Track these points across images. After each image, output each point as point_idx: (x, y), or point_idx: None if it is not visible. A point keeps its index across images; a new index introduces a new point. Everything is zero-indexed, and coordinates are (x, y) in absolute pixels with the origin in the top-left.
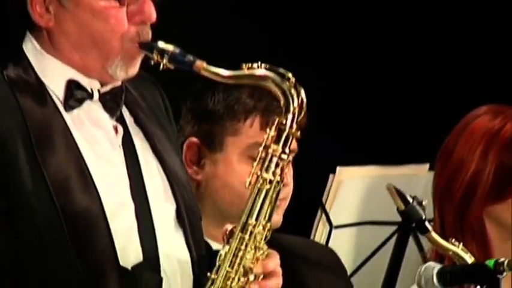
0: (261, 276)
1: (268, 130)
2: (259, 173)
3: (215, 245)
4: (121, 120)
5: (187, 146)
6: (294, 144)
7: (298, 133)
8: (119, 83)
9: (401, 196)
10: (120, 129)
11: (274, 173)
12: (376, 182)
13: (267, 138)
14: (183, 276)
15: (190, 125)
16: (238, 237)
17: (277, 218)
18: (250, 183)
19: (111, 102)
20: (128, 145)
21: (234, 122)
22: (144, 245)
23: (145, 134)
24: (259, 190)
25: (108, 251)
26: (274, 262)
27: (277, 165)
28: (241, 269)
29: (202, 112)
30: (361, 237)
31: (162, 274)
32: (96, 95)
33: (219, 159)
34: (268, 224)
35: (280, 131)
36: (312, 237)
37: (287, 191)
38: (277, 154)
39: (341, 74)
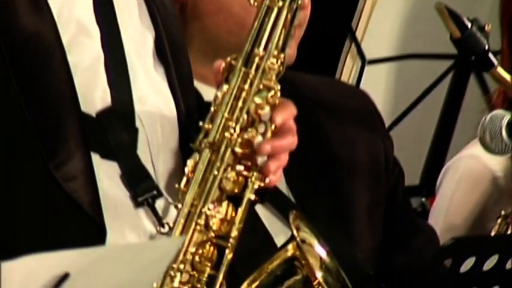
0: (271, 128)
1: None
2: None
3: (206, 89)
4: None
5: None
6: None
7: None
8: None
9: (456, 19)
10: None
11: None
12: (423, 0)
13: None
14: (164, 127)
15: None
16: (241, 72)
17: (290, 51)
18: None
19: None
20: None
21: None
22: (113, 85)
23: None
24: (269, 8)
25: (65, 92)
26: (289, 113)
27: None
28: (245, 116)
29: None
30: (403, 76)
31: (137, 124)
32: None
33: None
34: (282, 56)
35: None
36: (338, 75)
37: (303, 16)
38: None
39: None
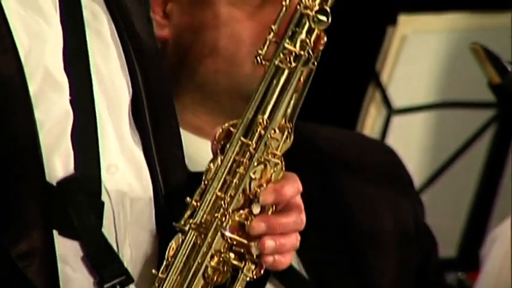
0: (272, 209)
1: None
2: (279, 40)
3: (202, 143)
4: None
5: None
6: None
7: None
8: None
9: (495, 62)
10: None
11: (303, 44)
12: (461, 38)
13: None
14: (134, 202)
15: None
16: (239, 142)
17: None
18: (261, 57)
19: None
20: None
21: None
22: (79, 150)
23: None
24: (278, 69)
25: (28, 154)
26: (293, 187)
27: (309, 32)
28: (240, 194)
29: None
30: (436, 129)
31: (104, 197)
32: None
33: (191, 0)
34: (289, 126)
35: None
36: (359, 127)
37: None
38: (312, 14)
39: None
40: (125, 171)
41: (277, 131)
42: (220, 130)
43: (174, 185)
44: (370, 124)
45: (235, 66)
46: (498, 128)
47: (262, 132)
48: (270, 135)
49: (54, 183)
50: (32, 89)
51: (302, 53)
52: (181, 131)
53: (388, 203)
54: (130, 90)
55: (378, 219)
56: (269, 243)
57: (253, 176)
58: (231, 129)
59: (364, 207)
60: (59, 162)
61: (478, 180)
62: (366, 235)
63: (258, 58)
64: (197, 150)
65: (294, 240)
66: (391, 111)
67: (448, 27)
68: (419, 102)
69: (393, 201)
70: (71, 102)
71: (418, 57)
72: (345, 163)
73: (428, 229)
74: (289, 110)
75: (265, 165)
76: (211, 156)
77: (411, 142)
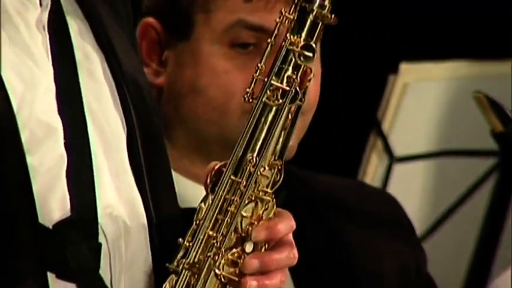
0: (264, 246)
1: (282, 10)
2: (266, 79)
3: (200, 190)
4: None
5: (142, 30)
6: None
7: (332, 17)
8: None
9: (498, 110)
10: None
11: (290, 81)
12: (462, 86)
13: (281, 21)
14: (129, 244)
15: None
16: (229, 181)
17: (291, 143)
18: (250, 95)
19: None
20: (57, 27)
21: None
22: (75, 192)
23: (88, 14)
24: (265, 106)
25: (21, 201)
26: (286, 225)
27: (296, 68)
28: (232, 233)
29: None
30: (438, 177)
31: (101, 239)
32: None
33: (186, 50)
34: (279, 163)
35: (302, 12)
36: (360, 176)
37: (309, 102)
38: (297, 50)
39: None
40: (121, 211)
41: (266, 168)
42: (211, 170)
43: (168, 225)
44: (372, 172)
45: (225, 116)
46: (500, 177)
47: (252, 169)
48: (260, 172)
49: (51, 227)
50: (25, 136)
51: (289, 89)
52: (180, 177)
53: (389, 249)
54: (125, 128)
55: (379, 264)
56: (252, 283)
57: (244, 214)
58: (222, 168)
59: (365, 251)
60: (55, 205)
61: (479, 229)
62: (366, 279)
63: (246, 96)
64: (196, 198)
65: (278, 281)
66: (392, 159)
67: (449, 76)
68: (421, 150)
69: (395, 247)
70: (66, 145)
71: (419, 105)
72: (345, 209)
73: (430, 277)
74: (278, 147)
75: (256, 203)
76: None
77: (413, 190)
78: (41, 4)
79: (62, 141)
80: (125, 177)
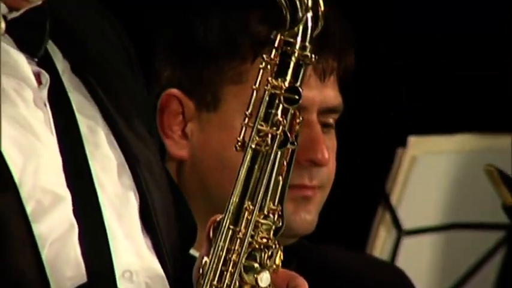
0: None
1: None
2: (253, 124)
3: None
4: (47, 63)
5: (164, 102)
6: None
7: (313, 58)
8: (38, 2)
9: (509, 184)
10: (46, 77)
11: (277, 124)
12: (470, 159)
13: (264, 66)
14: None
15: (169, 69)
16: (228, 231)
17: (309, 217)
18: (241, 143)
19: (28, 33)
20: (59, 103)
21: (237, 63)
22: (89, 259)
23: (91, 90)
24: (256, 153)
25: (30, 276)
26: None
27: (283, 111)
28: (237, 282)
29: (187, 48)
30: (447, 250)
31: None
32: (1, 26)
33: (213, 122)
34: (278, 208)
35: (284, 54)
36: (369, 249)
37: (325, 176)
38: (281, 94)
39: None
40: (140, 276)
41: (266, 214)
42: (213, 222)
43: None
44: (380, 245)
45: None
46: (509, 250)
47: (249, 217)
48: (259, 219)
49: None
50: (31, 206)
51: (277, 133)
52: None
53: None
54: (137, 196)
55: None
56: None
57: (247, 263)
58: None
59: None
60: (68, 272)
61: None
62: None
63: (236, 145)
64: None
65: None
66: (401, 232)
67: (457, 148)
68: (430, 223)
69: None
70: (76, 212)
71: (428, 178)
72: (355, 281)
73: None
74: (275, 192)
75: (259, 251)
76: None
77: (422, 263)
78: (40, 82)
79: (70, 209)
80: (141, 242)
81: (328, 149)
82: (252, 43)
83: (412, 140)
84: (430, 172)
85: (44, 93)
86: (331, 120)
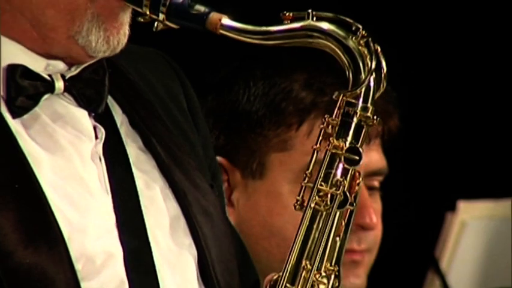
0: None
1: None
2: (312, 185)
3: None
4: (105, 118)
5: None
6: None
7: (375, 119)
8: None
9: None
10: (102, 132)
11: (337, 184)
12: None
13: (325, 127)
14: None
15: (213, 136)
16: None
17: (358, 281)
18: (300, 202)
19: (86, 89)
20: (115, 158)
21: (282, 130)
22: None
23: (148, 142)
24: (316, 212)
25: None
26: None
27: (344, 172)
28: None
29: (231, 115)
30: None
31: None
32: (59, 85)
33: (259, 189)
34: (335, 268)
35: (345, 115)
36: None
37: (372, 239)
38: (342, 154)
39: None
40: None
41: (323, 274)
42: (269, 281)
43: None
44: None
45: None
46: None
47: (307, 276)
48: (316, 278)
49: None
50: (80, 264)
51: (336, 192)
52: None
53: None
54: (195, 252)
55: None
56: None
57: None
58: (278, 278)
59: None
60: None
61: None
62: None
63: (295, 205)
64: None
65: None
66: None
67: (507, 214)
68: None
69: None
70: (128, 267)
71: (477, 244)
72: None
73: None
74: (333, 253)
75: None
76: None
77: None
78: (96, 137)
79: (121, 265)
80: None
81: (375, 212)
82: (296, 109)
83: (462, 205)
84: (480, 237)
85: (99, 147)
86: (376, 183)
